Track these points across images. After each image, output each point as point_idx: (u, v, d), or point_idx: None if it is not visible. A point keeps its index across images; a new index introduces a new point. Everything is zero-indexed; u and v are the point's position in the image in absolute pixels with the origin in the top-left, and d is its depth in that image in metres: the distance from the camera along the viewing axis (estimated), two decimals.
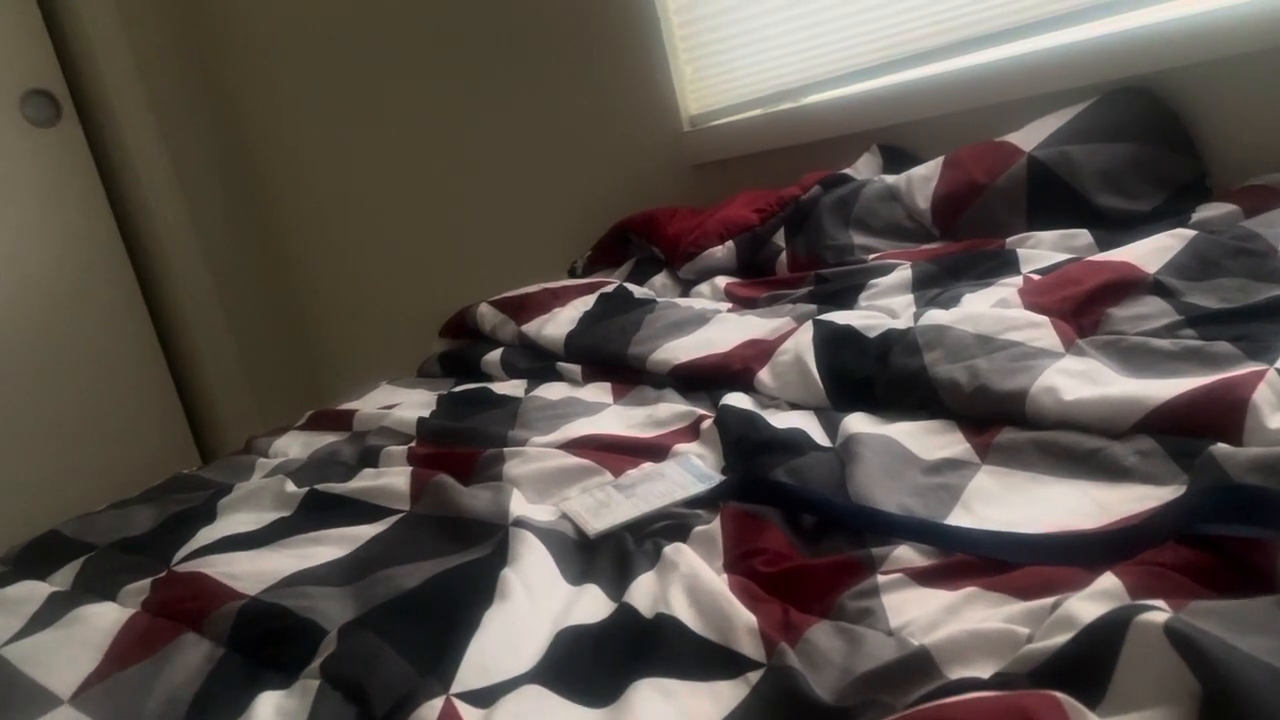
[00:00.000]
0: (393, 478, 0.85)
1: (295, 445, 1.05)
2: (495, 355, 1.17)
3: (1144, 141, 1.10)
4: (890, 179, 1.24)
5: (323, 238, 2.15)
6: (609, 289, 1.26)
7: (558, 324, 1.18)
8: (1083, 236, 1.05)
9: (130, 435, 2.04)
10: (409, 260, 2.00)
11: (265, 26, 2.02)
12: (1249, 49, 1.07)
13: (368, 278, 2.10)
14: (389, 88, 1.89)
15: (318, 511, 0.84)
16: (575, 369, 1.09)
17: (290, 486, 0.89)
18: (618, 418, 0.95)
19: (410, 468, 0.87)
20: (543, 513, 0.76)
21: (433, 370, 1.24)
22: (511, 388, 1.08)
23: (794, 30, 1.42)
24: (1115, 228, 1.06)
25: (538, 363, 1.15)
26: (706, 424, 0.87)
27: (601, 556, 0.68)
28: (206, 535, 0.82)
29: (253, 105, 2.12)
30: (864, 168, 1.32)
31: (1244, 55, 1.08)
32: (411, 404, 1.09)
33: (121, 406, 2.03)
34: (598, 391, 1.04)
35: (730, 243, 1.28)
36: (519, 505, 0.76)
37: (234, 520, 0.86)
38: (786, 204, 1.30)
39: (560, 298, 1.26)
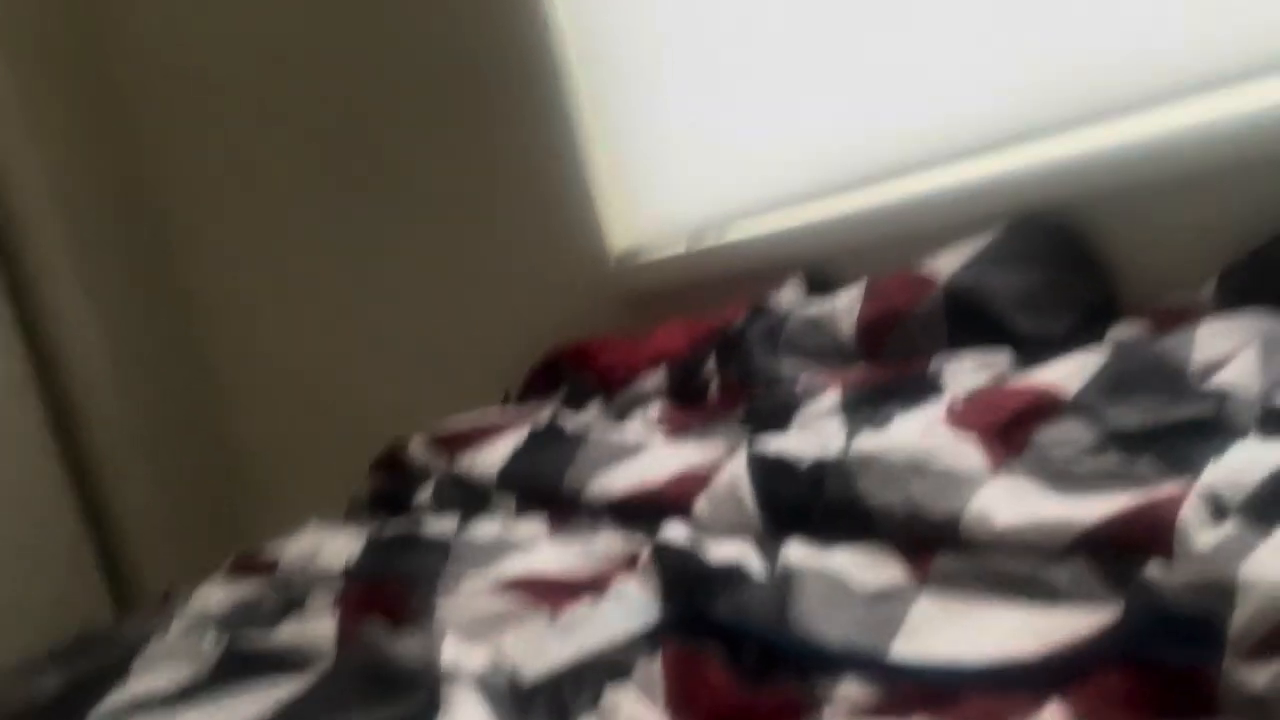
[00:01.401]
0: (317, 627, 0.82)
1: (216, 594, 1.01)
2: (427, 491, 1.15)
3: (1055, 266, 1.15)
4: (815, 307, 1.26)
5: (250, 370, 2.11)
6: (542, 420, 1.25)
7: (490, 457, 1.17)
8: (1002, 358, 1.08)
9: (38, 576, 1.93)
10: (341, 393, 1.97)
11: (189, 151, 2.02)
12: (1149, 179, 1.13)
13: (298, 411, 2.06)
14: (315, 221, 1.90)
15: (238, 666, 0.80)
16: (509, 504, 1.08)
17: (209, 640, 0.85)
18: (553, 554, 0.94)
19: (336, 616, 0.84)
20: (477, 659, 0.74)
21: (362, 509, 1.21)
22: (443, 526, 1.06)
23: (717, 166, 1.46)
24: (1032, 349, 1.09)
25: (470, 498, 1.13)
26: (644, 558, 0.85)
27: (538, 707, 0.66)
28: (117, 698, 0.78)
29: (181, 237, 2.10)
30: (790, 297, 1.35)
31: (1145, 184, 1.14)
32: (339, 546, 1.06)
33: (28, 545, 1.93)
34: (532, 527, 1.02)
35: (662, 371, 1.29)
36: (451, 652, 0.73)
37: (148, 679, 0.81)
38: (716, 333, 1.32)
39: (492, 431, 1.25)
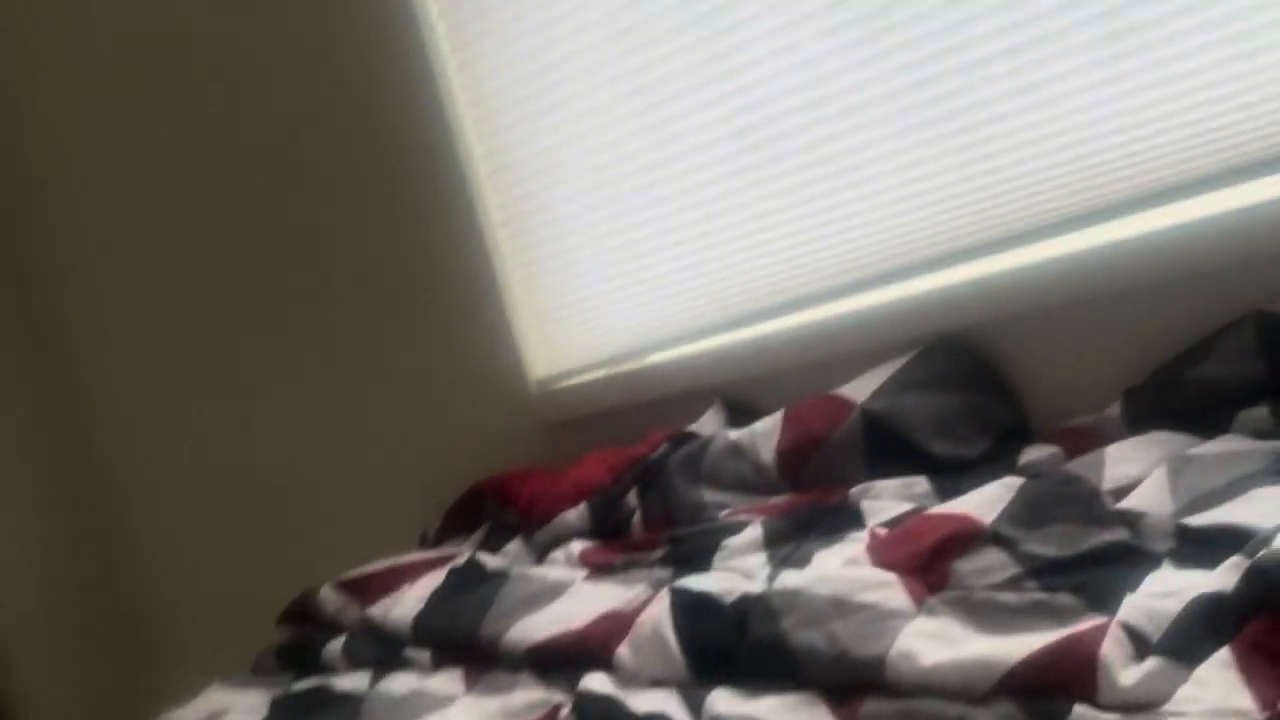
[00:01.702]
0: None
1: None
2: (337, 645, 1.10)
3: (967, 389, 1.16)
4: (734, 434, 1.26)
5: (155, 520, 2.03)
6: (460, 562, 1.21)
7: (405, 605, 1.13)
8: (920, 484, 1.08)
9: None
10: (251, 539, 1.90)
11: (101, 284, 1.98)
12: (1054, 301, 1.16)
13: (204, 561, 1.98)
14: (224, 361, 1.85)
15: None
16: (424, 655, 1.03)
17: None
18: (469, 711, 0.90)
19: None
20: None
21: (269, 666, 1.15)
22: (354, 682, 1.01)
23: (636, 292, 1.47)
24: (949, 473, 1.09)
25: (384, 650, 1.08)
26: (565, 713, 0.82)
27: None
28: None
29: (86, 384, 2.04)
30: (710, 423, 1.34)
31: (1051, 306, 1.17)
32: (242, 708, 1.00)
33: None
34: (448, 681, 0.98)
35: (583, 505, 1.27)
36: None
37: None
38: (637, 463, 1.30)
39: (408, 575, 1.21)
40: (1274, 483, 0.83)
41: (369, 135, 1.60)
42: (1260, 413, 0.94)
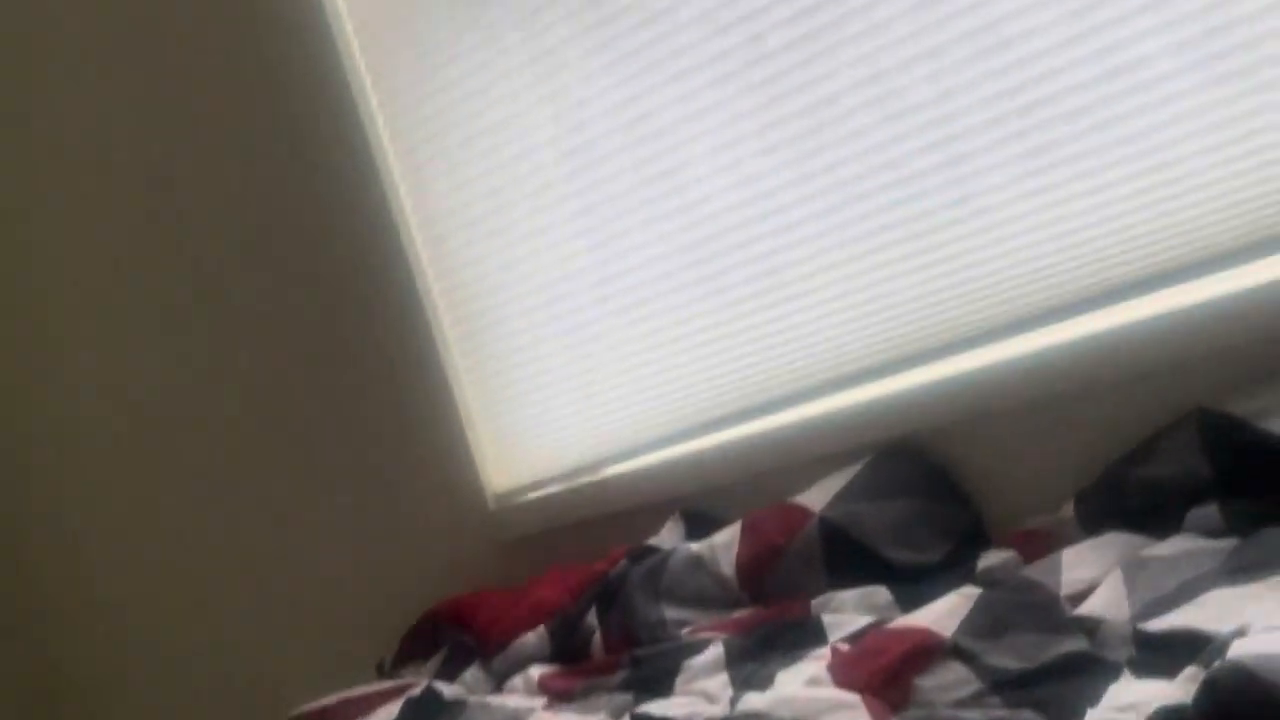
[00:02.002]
0: None
1: None
2: None
3: (922, 495, 1.17)
4: (695, 547, 1.25)
5: (102, 651, 1.96)
6: (416, 693, 1.18)
7: None
8: (881, 594, 1.07)
9: None
10: (192, 668, 1.83)
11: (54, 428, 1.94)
12: (1001, 404, 1.17)
13: (147, 688, 1.91)
14: (172, 472, 1.82)
15: None
16: None
17: None
18: None
19: None
20: None
21: None
22: None
23: (591, 404, 1.47)
24: (908, 579, 1.09)
25: None
26: None
27: None
28: None
29: (33, 515, 1.99)
30: (669, 536, 1.33)
31: (998, 409, 1.18)
32: None
33: None
34: None
35: (542, 628, 1.25)
36: None
37: None
38: (596, 580, 1.28)
39: (363, 707, 1.17)
40: (1227, 583, 0.83)
41: (324, 258, 1.61)
42: (1209, 511, 0.94)
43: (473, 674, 1.25)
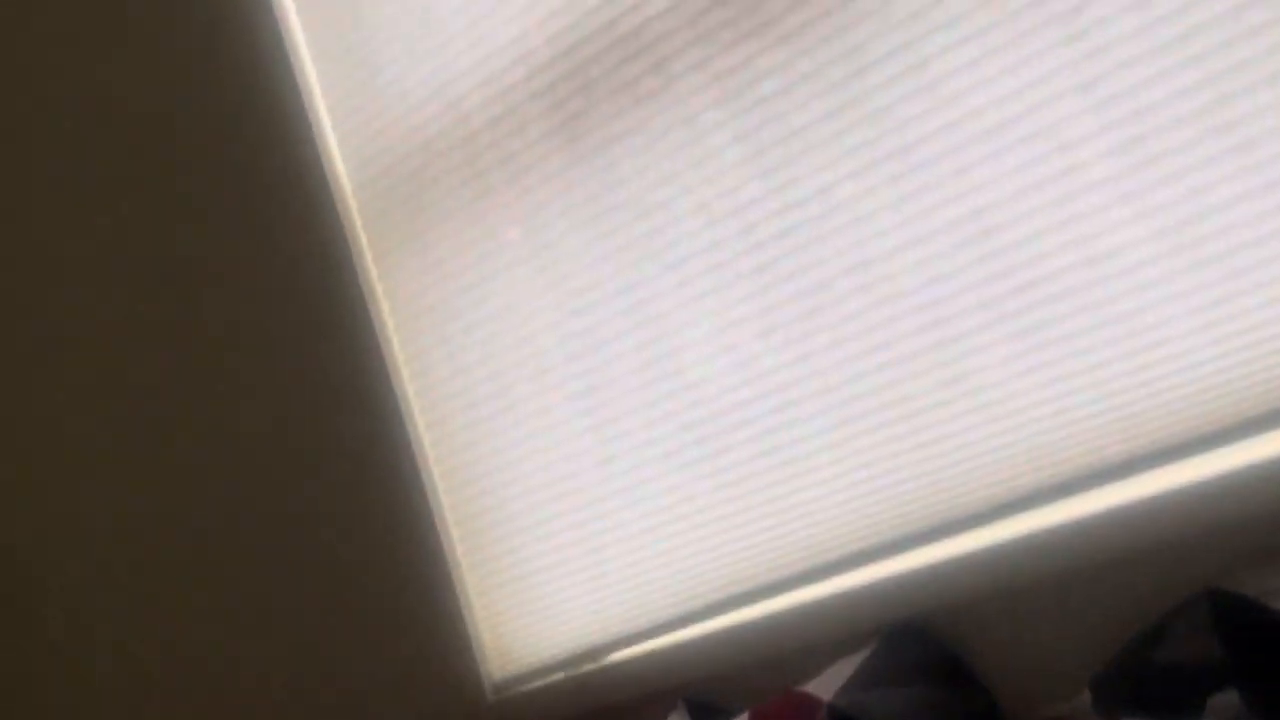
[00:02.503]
0: None
1: None
2: None
3: (933, 682, 1.13)
4: None
5: None
6: None
7: None
8: None
9: None
10: None
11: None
12: (1015, 583, 1.16)
13: None
14: (176, 646, 1.77)
15: None
16: None
17: None
18: None
19: None
20: None
21: None
22: None
23: (592, 588, 1.45)
24: None
25: None
26: None
27: None
28: None
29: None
30: None
31: (1006, 589, 1.16)
32: None
33: None
34: None
35: None
36: None
37: None
38: None
39: None
40: None
41: (327, 441, 1.62)
42: (1230, 699, 0.92)
43: None
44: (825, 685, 1.17)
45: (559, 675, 1.47)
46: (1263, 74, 1.00)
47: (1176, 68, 1.03)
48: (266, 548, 1.68)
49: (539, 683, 1.49)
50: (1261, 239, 1.01)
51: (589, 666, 1.44)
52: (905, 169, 1.16)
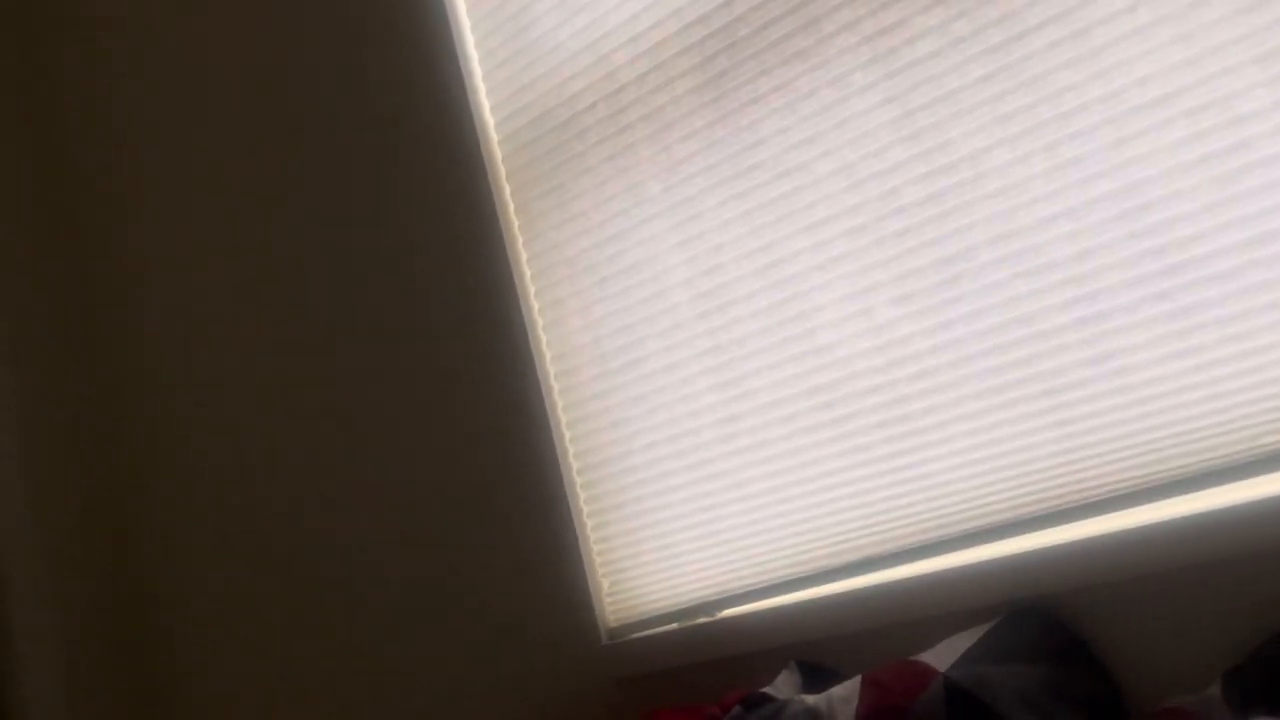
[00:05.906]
0: None
1: None
2: None
3: (1056, 662, 1.11)
4: (811, 699, 1.21)
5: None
6: None
7: None
8: None
9: None
10: None
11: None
12: (1146, 570, 1.12)
13: None
14: (290, 616, 1.87)
15: None
16: None
17: None
18: None
19: None
20: None
21: None
22: None
23: (710, 544, 1.46)
24: None
25: None
26: None
27: None
28: None
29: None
30: (784, 685, 1.30)
31: (1142, 575, 1.13)
32: None
33: None
34: None
35: None
36: None
37: None
38: None
39: None
40: None
41: (462, 387, 1.67)
42: None
43: None
44: (940, 657, 1.16)
45: (672, 625, 1.50)
46: None
47: None
48: (399, 485, 1.75)
49: (652, 631, 1.51)
50: None
51: (702, 619, 1.47)
52: (1061, 138, 1.13)
